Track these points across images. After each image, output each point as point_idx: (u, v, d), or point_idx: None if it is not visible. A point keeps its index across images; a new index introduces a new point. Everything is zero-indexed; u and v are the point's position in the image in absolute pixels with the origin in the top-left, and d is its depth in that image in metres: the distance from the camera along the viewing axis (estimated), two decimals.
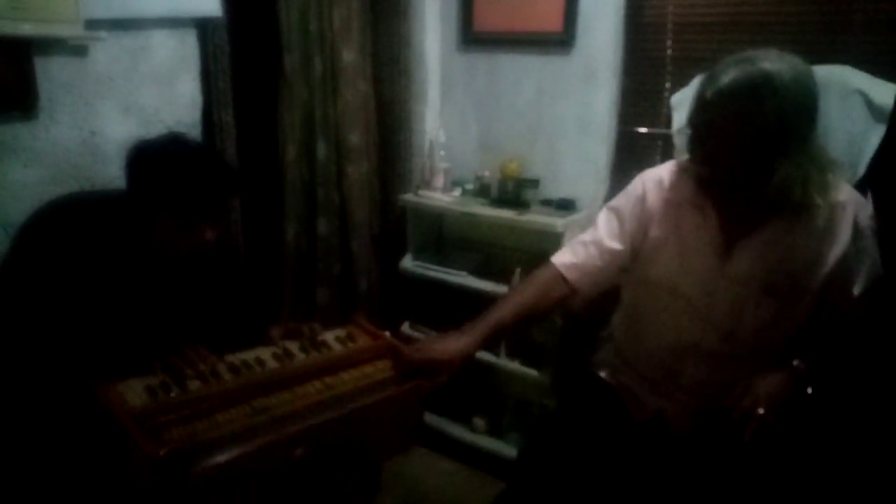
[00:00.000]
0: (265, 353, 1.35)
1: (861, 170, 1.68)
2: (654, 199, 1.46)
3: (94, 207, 1.42)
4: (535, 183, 2.29)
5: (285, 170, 2.17)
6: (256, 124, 2.11)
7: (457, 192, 2.40)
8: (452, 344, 1.37)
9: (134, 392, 1.19)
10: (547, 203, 2.25)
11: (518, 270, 2.17)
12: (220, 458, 1.05)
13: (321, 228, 2.28)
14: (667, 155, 2.06)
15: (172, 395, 1.19)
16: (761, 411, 1.27)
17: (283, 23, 2.08)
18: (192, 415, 1.14)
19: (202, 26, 1.90)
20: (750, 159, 1.24)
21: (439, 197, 2.36)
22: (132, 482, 1.11)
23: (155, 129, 1.80)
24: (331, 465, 1.23)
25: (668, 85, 2.10)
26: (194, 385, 1.22)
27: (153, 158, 1.35)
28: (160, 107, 1.87)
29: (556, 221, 2.11)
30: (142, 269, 1.40)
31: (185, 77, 1.92)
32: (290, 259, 2.24)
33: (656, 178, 1.48)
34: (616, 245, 1.48)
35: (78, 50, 1.67)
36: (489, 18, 2.33)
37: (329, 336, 1.45)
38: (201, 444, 1.08)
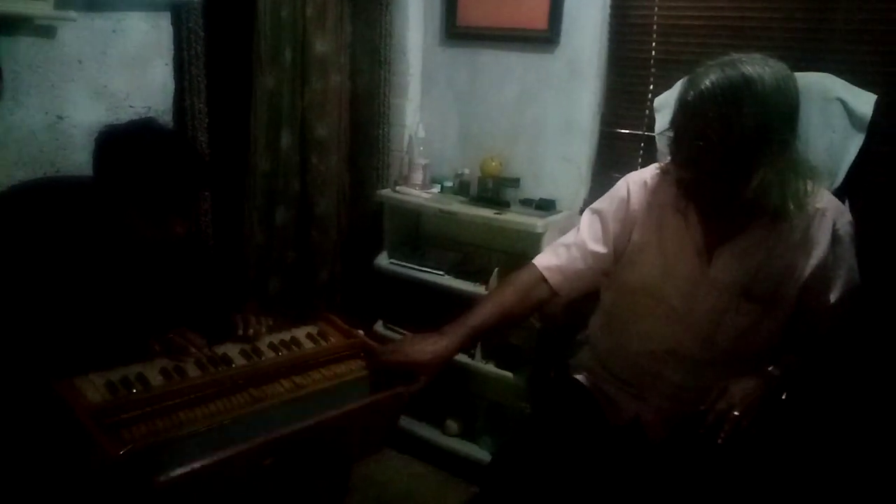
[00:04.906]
0: (233, 350, 1.31)
1: (840, 177, 1.69)
2: (637, 202, 1.45)
3: (58, 194, 1.38)
4: (515, 182, 2.27)
5: (252, 159, 2.12)
6: (229, 113, 2.06)
7: (435, 189, 2.37)
8: (430, 346, 1.33)
9: (93, 387, 1.14)
10: (527, 203, 2.24)
11: (496, 270, 2.15)
12: (187, 468, 1.00)
13: (278, 217, 2.25)
14: (648, 157, 2.06)
15: (134, 391, 1.14)
16: (736, 414, 1.26)
17: (259, 9, 2.03)
18: (155, 412, 1.10)
19: (177, 10, 1.85)
20: (730, 163, 1.23)
21: (417, 193, 2.33)
22: (92, 482, 1.06)
23: (125, 115, 1.76)
24: (301, 471, 1.19)
25: (651, 87, 2.09)
26: (157, 381, 1.18)
27: (122, 145, 1.30)
28: (131, 92, 1.81)
29: (536, 222, 2.09)
30: (107, 258, 1.35)
31: (158, 62, 1.86)
32: (250, 248, 2.19)
33: (640, 180, 1.47)
34: (599, 248, 1.46)
35: (46, 30, 1.60)
36: (473, 13, 2.31)
37: (300, 333, 1.41)
38: (163, 443, 1.03)
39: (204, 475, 1.02)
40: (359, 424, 1.26)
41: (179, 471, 0.99)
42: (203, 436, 1.07)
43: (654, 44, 2.07)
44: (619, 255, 1.47)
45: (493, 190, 2.25)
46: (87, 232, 1.33)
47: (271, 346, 1.35)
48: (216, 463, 1.03)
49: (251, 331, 1.36)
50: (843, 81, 1.72)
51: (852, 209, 1.52)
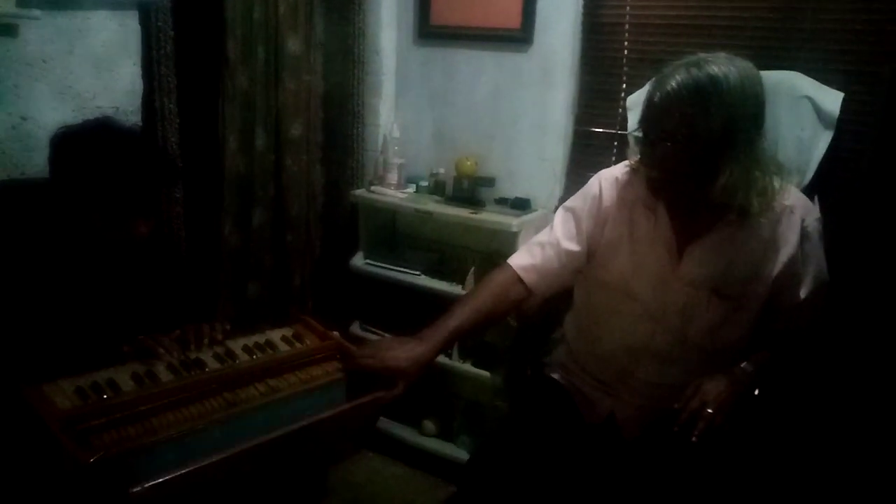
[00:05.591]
0: (206, 354, 1.29)
1: (809, 175, 1.71)
2: (609, 198, 1.46)
3: (23, 197, 1.35)
4: (490, 181, 2.27)
5: (225, 160, 2.09)
6: (201, 113, 2.03)
7: (411, 189, 2.36)
8: (409, 351, 1.30)
9: (63, 394, 1.11)
10: (502, 202, 2.24)
11: (472, 270, 2.15)
12: (164, 477, 0.98)
13: (255, 220, 2.22)
14: (622, 156, 2.07)
15: (105, 396, 1.11)
16: (710, 412, 1.27)
17: (228, 8, 2.01)
18: (126, 418, 1.07)
19: (145, 8, 1.81)
20: (697, 162, 1.25)
21: (393, 193, 2.31)
22: (65, 490, 1.03)
23: (92, 116, 1.68)
24: (278, 476, 1.17)
25: (623, 85, 2.10)
26: (128, 387, 1.15)
27: (78, 145, 1.27)
28: (98, 92, 1.78)
29: (512, 221, 2.09)
30: (72, 261, 1.32)
31: (126, 61, 1.83)
32: (226, 252, 2.17)
33: (612, 177, 1.47)
34: (573, 247, 1.47)
35: (8, 29, 1.57)
36: (447, 12, 2.30)
37: (275, 336, 1.39)
38: (135, 450, 1.01)
39: (180, 484, 0.99)
40: (336, 430, 1.24)
41: (155, 480, 0.97)
42: (177, 441, 1.05)
43: (626, 43, 2.08)
44: (593, 252, 1.47)
45: (469, 189, 2.25)
46: (52, 235, 1.30)
47: (245, 348, 1.33)
48: (193, 472, 1.00)
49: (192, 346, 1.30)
50: (811, 80, 1.74)
51: (821, 206, 1.55)
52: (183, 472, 0.99)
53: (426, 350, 1.32)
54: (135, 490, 0.95)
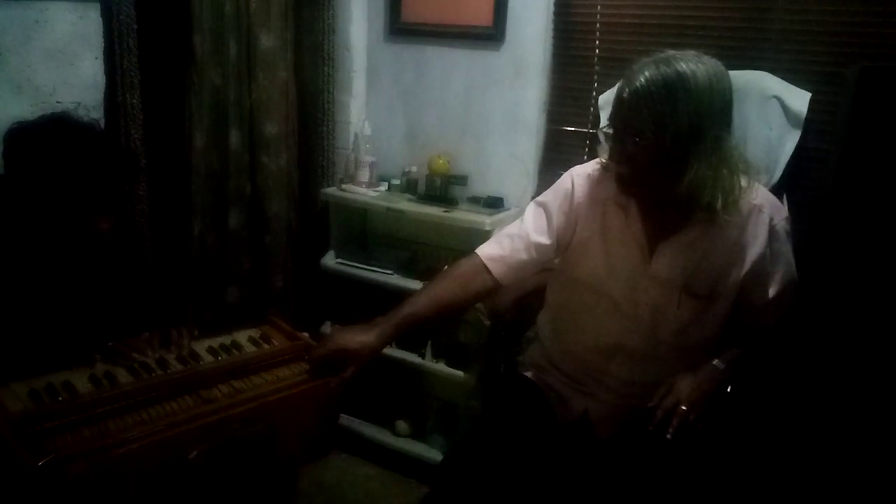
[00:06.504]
0: (169, 355, 1.25)
1: (778, 174, 1.72)
2: (582, 195, 1.45)
3: None
4: (463, 179, 2.26)
5: (193, 159, 2.04)
6: (167, 109, 1.98)
7: (382, 187, 2.34)
8: (360, 335, 1.31)
9: (15, 396, 1.08)
10: (475, 200, 2.23)
11: (445, 269, 2.13)
12: (99, 456, 0.95)
13: (231, 222, 2.18)
14: (594, 154, 2.07)
15: (59, 399, 1.08)
16: (684, 409, 1.27)
17: (194, 2, 1.96)
18: (81, 421, 1.04)
19: (106, 1, 1.76)
20: (665, 159, 1.25)
21: (364, 191, 2.29)
22: (16, 496, 1.00)
23: (51, 111, 1.66)
24: (237, 471, 1.14)
25: (595, 84, 2.11)
26: (85, 388, 1.11)
27: (31, 140, 1.25)
28: (58, 86, 1.73)
29: (484, 219, 2.09)
30: (29, 259, 1.29)
31: (87, 55, 1.78)
32: (198, 254, 2.11)
33: (584, 174, 1.47)
34: (542, 239, 1.46)
35: None
36: (418, 9, 2.29)
37: (241, 337, 1.36)
38: (88, 453, 0.97)
39: (120, 466, 0.97)
40: (290, 418, 1.22)
41: (91, 460, 0.94)
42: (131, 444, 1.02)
43: (597, 42, 2.09)
44: (563, 247, 1.47)
45: (441, 188, 2.24)
46: (8, 231, 1.27)
47: (210, 350, 1.30)
48: (130, 453, 0.98)
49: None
50: (779, 80, 1.76)
51: (789, 205, 1.56)
52: (122, 451, 0.98)
53: (377, 334, 1.32)
54: (71, 470, 0.92)
